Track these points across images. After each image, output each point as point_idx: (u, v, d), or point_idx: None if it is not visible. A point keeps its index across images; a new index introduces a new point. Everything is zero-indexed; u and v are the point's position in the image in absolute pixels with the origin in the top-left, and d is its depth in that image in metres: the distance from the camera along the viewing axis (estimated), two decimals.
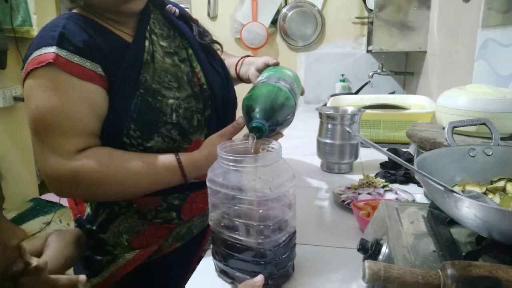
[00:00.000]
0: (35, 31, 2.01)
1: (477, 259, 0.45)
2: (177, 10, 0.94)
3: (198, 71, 0.88)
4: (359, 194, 0.91)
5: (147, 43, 0.81)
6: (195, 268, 0.68)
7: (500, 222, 0.43)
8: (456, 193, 0.46)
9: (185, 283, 0.62)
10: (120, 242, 0.82)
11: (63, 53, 0.71)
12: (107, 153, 0.74)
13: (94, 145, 0.75)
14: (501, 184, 0.58)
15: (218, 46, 1.01)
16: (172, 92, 0.79)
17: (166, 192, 0.81)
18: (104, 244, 0.82)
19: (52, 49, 0.70)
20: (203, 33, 0.96)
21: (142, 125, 0.76)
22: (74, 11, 0.81)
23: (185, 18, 0.95)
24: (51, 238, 0.72)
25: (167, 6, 0.92)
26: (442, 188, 0.47)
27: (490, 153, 0.62)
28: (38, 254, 0.68)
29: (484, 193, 0.57)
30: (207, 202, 0.71)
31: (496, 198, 0.55)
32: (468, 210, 0.44)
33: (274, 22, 2.61)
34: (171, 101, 0.78)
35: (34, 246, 0.69)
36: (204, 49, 0.93)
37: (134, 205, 0.82)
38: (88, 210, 0.85)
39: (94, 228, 0.83)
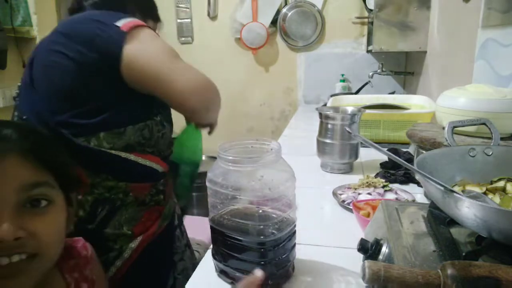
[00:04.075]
0: (35, 31, 2.01)
1: (477, 259, 0.45)
2: None
3: None
4: (359, 194, 0.91)
5: None
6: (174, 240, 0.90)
7: (500, 222, 0.43)
8: (456, 193, 0.46)
9: (180, 258, 0.65)
10: (122, 233, 0.85)
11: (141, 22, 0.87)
12: None
13: None
14: (501, 184, 0.58)
15: None
16: None
17: (155, 179, 0.91)
18: (104, 241, 0.83)
19: (133, 19, 0.85)
20: None
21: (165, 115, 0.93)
22: None
23: None
24: None
25: None
26: (442, 188, 0.47)
27: (490, 153, 0.62)
28: None
29: (484, 193, 0.57)
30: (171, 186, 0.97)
31: (496, 198, 0.55)
32: (468, 210, 0.44)
33: (274, 22, 2.61)
34: None
35: None
36: None
37: (130, 193, 0.86)
38: (80, 213, 0.83)
39: (93, 227, 0.83)
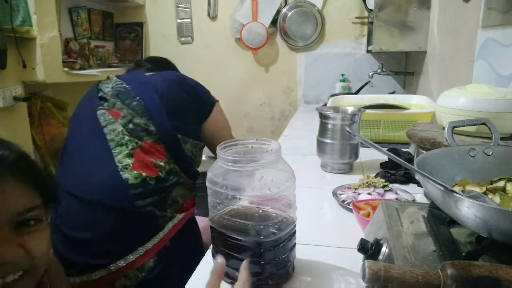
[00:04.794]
0: (35, 31, 2.01)
1: (477, 259, 0.45)
2: None
3: None
4: (359, 194, 0.91)
5: None
6: None
7: (500, 222, 0.43)
8: (456, 193, 0.46)
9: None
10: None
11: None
12: None
13: None
14: (501, 184, 0.58)
15: None
16: None
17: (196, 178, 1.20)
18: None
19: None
20: None
21: None
22: None
23: None
24: None
25: None
26: (442, 188, 0.47)
27: (490, 153, 0.62)
28: None
29: (484, 193, 0.57)
30: None
31: (496, 198, 0.55)
32: (468, 210, 0.44)
33: (274, 22, 2.61)
34: None
35: None
36: None
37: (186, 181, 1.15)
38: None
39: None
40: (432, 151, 0.63)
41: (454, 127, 0.69)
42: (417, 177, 0.98)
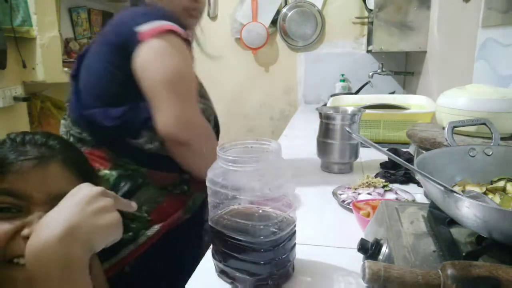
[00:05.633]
0: (35, 31, 2.01)
1: (477, 259, 0.45)
2: None
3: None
4: (359, 194, 0.91)
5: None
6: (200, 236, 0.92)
7: (500, 222, 0.43)
8: (456, 193, 0.46)
9: (202, 253, 0.68)
10: (140, 215, 0.85)
11: (176, 26, 0.83)
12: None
13: None
14: (501, 184, 0.58)
15: None
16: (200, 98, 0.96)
17: (182, 169, 0.90)
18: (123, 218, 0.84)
19: (165, 22, 0.82)
20: None
21: None
22: None
23: None
24: None
25: None
26: (442, 188, 0.47)
27: (490, 153, 0.62)
28: None
29: (484, 193, 0.57)
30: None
31: (496, 198, 0.55)
32: (468, 210, 0.44)
33: (274, 22, 2.61)
34: (200, 105, 0.93)
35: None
36: None
37: (149, 179, 0.88)
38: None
39: None
40: (432, 151, 0.63)
41: (454, 127, 0.69)
42: (417, 177, 0.98)
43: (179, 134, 0.81)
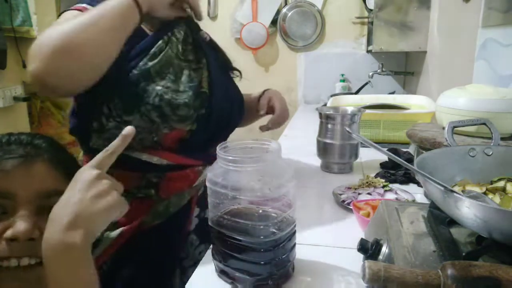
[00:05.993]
0: (35, 31, 2.01)
1: (477, 259, 0.45)
2: (208, 37, 1.02)
3: (205, 79, 0.91)
4: (359, 194, 0.91)
5: (165, 37, 0.87)
6: (180, 245, 0.83)
7: (500, 222, 0.43)
8: (456, 193, 0.46)
9: (171, 260, 0.65)
10: None
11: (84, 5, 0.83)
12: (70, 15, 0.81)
13: None
14: (501, 184, 0.58)
15: (238, 74, 1.12)
16: (164, 82, 0.83)
17: (145, 169, 0.85)
18: None
19: (81, 4, 0.84)
20: (226, 61, 1.06)
21: (125, 99, 0.81)
22: None
23: (214, 46, 1.04)
24: None
25: (201, 32, 0.99)
26: (442, 188, 0.47)
27: (490, 153, 0.62)
28: None
29: (484, 193, 0.57)
30: (185, 183, 0.87)
31: (496, 198, 0.55)
32: (468, 210, 0.44)
33: (274, 22, 2.61)
34: (158, 87, 0.82)
35: None
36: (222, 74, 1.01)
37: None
38: None
39: None
40: (432, 151, 0.63)
41: (454, 127, 0.69)
42: (417, 177, 0.98)
43: (43, 84, 0.71)
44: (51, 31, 0.71)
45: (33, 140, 0.62)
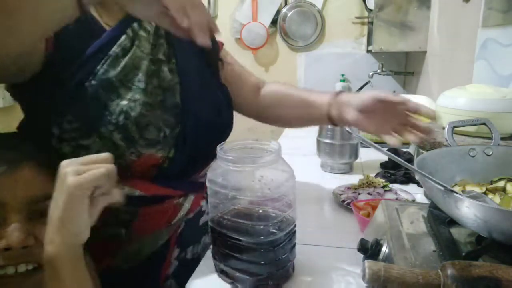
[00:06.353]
0: None
1: (477, 259, 0.45)
2: None
3: (176, 84, 0.73)
4: (359, 194, 0.91)
5: (129, 31, 0.69)
6: None
7: (500, 222, 0.43)
8: (456, 193, 0.46)
9: None
10: None
11: None
12: None
13: None
14: (501, 184, 0.58)
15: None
16: (131, 93, 0.67)
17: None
18: None
19: None
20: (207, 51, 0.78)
21: (81, 118, 0.64)
22: None
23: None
24: None
25: None
26: (442, 188, 0.47)
27: (490, 153, 0.62)
28: None
29: (484, 193, 0.57)
30: (162, 220, 0.72)
31: (496, 198, 0.55)
32: (468, 210, 0.44)
33: (274, 22, 2.61)
34: (124, 102, 0.66)
35: None
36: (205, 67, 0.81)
37: None
38: None
39: None
40: (432, 151, 0.63)
41: (454, 127, 0.69)
42: (417, 177, 0.98)
43: None
44: None
45: (18, 145, 0.59)
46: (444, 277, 0.39)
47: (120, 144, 0.66)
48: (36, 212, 0.54)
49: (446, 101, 0.92)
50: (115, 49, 0.67)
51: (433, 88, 1.79)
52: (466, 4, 1.34)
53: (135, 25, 0.70)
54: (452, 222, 0.53)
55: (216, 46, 0.85)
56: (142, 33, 0.71)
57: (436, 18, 1.81)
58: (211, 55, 0.83)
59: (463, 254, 0.46)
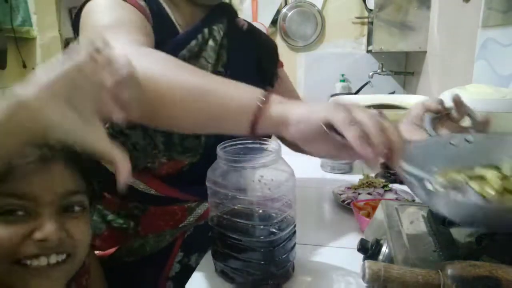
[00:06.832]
0: (35, 31, 2.01)
1: (477, 259, 0.45)
2: (245, 25, 0.85)
3: None
4: (359, 194, 0.91)
5: (199, 37, 0.71)
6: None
7: (477, 213, 0.44)
8: (434, 187, 0.47)
9: None
10: None
11: None
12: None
13: None
14: (482, 171, 0.57)
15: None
16: None
17: (127, 196, 0.68)
18: None
19: None
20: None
21: None
22: None
23: (253, 34, 0.86)
24: None
25: (238, 19, 0.84)
26: (416, 184, 0.48)
27: (471, 140, 0.61)
28: None
29: (466, 181, 0.56)
30: (169, 222, 0.75)
31: (476, 186, 0.55)
32: (444, 202, 0.45)
33: (274, 22, 2.61)
34: None
35: None
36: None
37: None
38: None
39: None
40: (414, 144, 0.62)
41: (433, 118, 0.69)
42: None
43: None
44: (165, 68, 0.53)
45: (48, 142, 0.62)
46: (444, 277, 0.39)
47: (158, 146, 0.69)
48: (67, 207, 0.57)
49: (446, 101, 0.92)
50: (184, 52, 0.69)
51: (433, 88, 1.79)
52: (466, 4, 1.34)
53: (206, 31, 0.72)
54: (452, 222, 0.53)
55: (274, 62, 0.90)
56: (211, 42, 0.73)
57: (436, 18, 1.81)
58: (267, 71, 0.87)
59: (463, 254, 0.46)
